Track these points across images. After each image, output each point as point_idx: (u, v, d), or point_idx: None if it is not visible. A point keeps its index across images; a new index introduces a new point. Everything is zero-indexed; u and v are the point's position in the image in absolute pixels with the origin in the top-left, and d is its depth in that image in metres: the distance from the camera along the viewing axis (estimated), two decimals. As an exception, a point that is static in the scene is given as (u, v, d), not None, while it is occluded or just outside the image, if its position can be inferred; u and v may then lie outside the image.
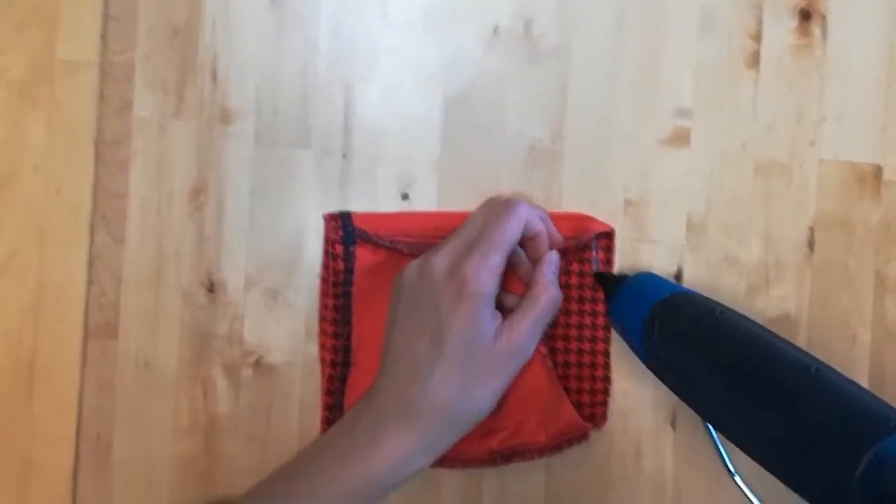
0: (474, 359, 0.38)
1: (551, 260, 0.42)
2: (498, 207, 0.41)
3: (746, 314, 0.44)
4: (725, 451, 0.44)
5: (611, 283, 0.43)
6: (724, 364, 0.35)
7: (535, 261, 0.42)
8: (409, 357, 0.39)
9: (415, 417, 0.38)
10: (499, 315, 0.40)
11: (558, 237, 0.43)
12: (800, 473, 0.32)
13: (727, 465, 0.44)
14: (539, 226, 0.42)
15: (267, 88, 0.46)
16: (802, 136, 0.45)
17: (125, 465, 0.45)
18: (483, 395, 0.39)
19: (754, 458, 0.34)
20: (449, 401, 0.38)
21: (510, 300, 0.43)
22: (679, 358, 0.37)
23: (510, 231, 0.40)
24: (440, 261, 0.39)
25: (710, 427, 0.44)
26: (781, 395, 0.33)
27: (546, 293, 0.40)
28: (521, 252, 0.43)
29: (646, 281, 0.42)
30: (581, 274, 0.45)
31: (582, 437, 0.43)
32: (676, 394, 0.39)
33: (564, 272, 0.44)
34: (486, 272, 0.38)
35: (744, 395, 0.34)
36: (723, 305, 0.39)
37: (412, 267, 0.40)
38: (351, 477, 0.38)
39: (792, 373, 0.33)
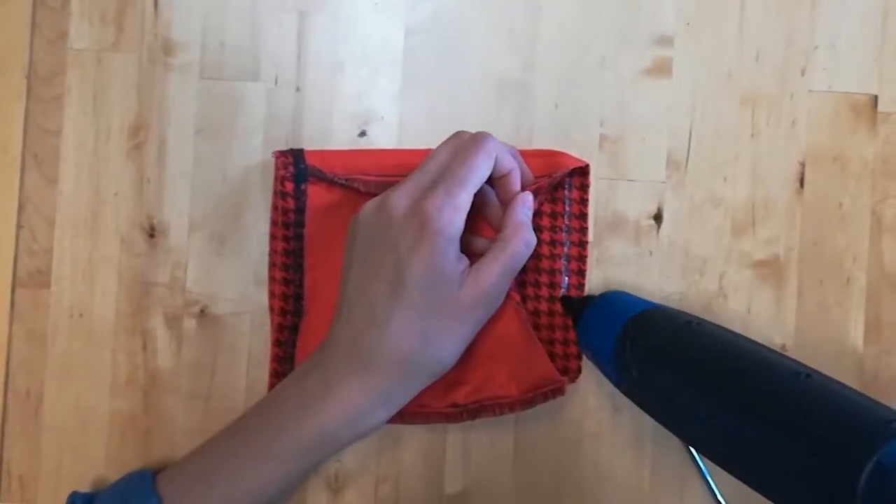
0: (437, 304, 0.35)
1: (525, 201, 0.38)
2: (465, 142, 0.37)
3: (732, 256, 0.41)
4: (713, 481, 0.41)
5: (577, 305, 0.40)
6: (705, 376, 0.32)
7: (506, 202, 0.39)
8: (365, 302, 0.35)
9: (371, 367, 0.35)
10: (464, 258, 0.36)
11: (529, 175, 0.40)
12: (795, 489, 0.28)
13: (717, 498, 0.41)
14: (511, 163, 0.38)
15: (213, 17, 0.42)
16: (793, 64, 0.42)
17: (57, 424, 0.42)
18: (446, 345, 0.36)
19: (744, 480, 0.31)
20: (408, 349, 0.35)
21: (479, 244, 0.40)
22: (655, 375, 0.34)
23: (478, 167, 0.36)
24: (400, 198, 0.36)
25: (695, 452, 0.41)
26: (771, 404, 0.30)
27: (518, 235, 0.37)
28: (491, 192, 0.39)
29: (614, 299, 0.39)
30: (553, 215, 0.41)
31: (557, 391, 0.40)
32: (654, 417, 0.35)
33: (535, 213, 0.41)
34: (450, 210, 0.35)
35: (728, 408, 0.31)
36: (699, 317, 0.35)
37: (370, 205, 0.37)
38: (301, 431, 0.35)
39: (780, 380, 0.30)
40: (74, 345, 0.42)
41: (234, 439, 0.37)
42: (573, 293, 0.41)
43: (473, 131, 0.38)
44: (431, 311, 0.35)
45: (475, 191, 0.36)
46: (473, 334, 0.37)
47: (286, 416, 0.35)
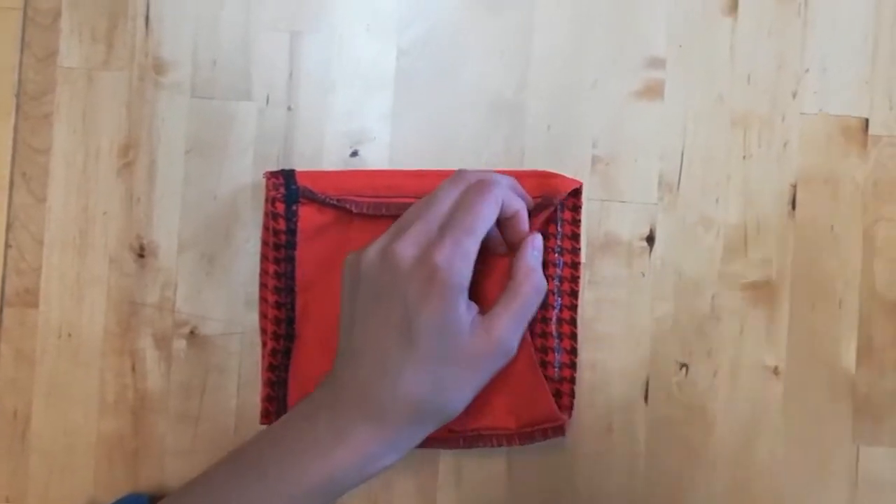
0: (448, 354, 0.35)
1: (534, 244, 0.38)
2: (471, 188, 0.36)
3: (724, 278, 0.41)
4: None
5: None
6: None
7: (514, 243, 0.39)
8: (374, 351, 0.35)
9: (383, 415, 0.35)
10: (473, 306, 0.36)
11: (529, 201, 0.40)
12: None
13: None
14: (517, 204, 0.38)
15: (205, 35, 0.42)
16: (784, 87, 0.42)
17: (44, 446, 0.41)
18: (457, 395, 0.36)
19: None
20: (420, 398, 0.35)
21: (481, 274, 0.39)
22: None
23: (485, 214, 0.36)
24: (406, 247, 0.35)
25: None
26: None
27: (528, 282, 0.37)
28: (493, 227, 0.39)
29: None
30: (546, 236, 0.41)
31: (558, 429, 0.40)
32: None
33: (527, 234, 0.41)
34: (458, 260, 0.34)
35: None
36: None
37: (372, 251, 0.36)
38: (311, 473, 0.34)
39: None
40: (62, 365, 0.41)
41: (237, 474, 0.36)
42: (566, 314, 0.41)
43: (478, 170, 0.38)
44: (442, 361, 0.35)
45: (482, 238, 0.36)
46: (486, 381, 0.37)
47: (294, 457, 0.35)
